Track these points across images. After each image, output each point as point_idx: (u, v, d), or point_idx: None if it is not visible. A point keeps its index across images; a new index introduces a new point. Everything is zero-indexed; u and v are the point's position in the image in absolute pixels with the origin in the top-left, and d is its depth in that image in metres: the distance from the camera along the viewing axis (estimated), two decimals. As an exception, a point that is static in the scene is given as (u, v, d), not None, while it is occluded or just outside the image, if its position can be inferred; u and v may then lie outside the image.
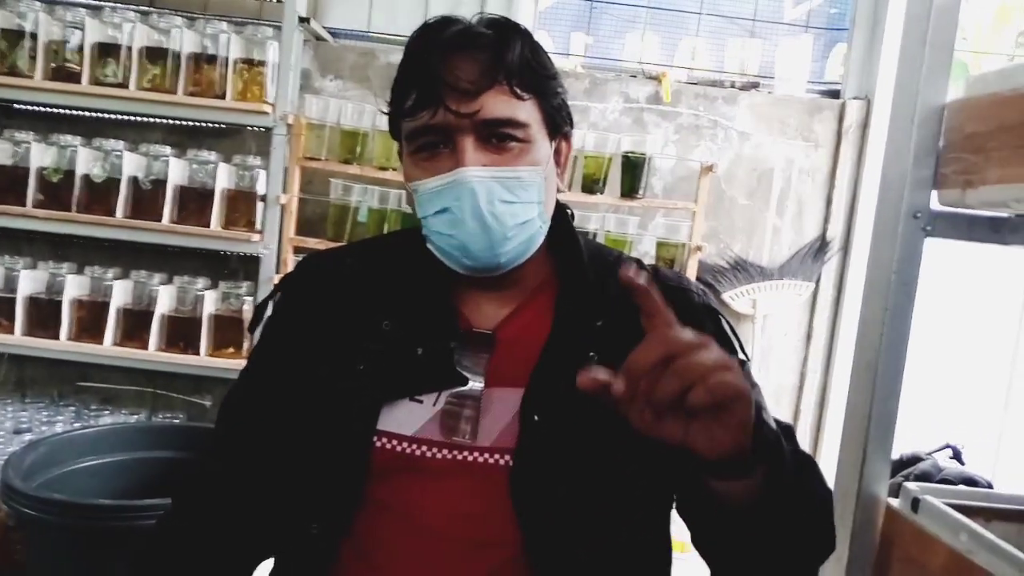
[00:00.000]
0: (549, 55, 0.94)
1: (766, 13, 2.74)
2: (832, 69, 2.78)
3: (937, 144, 1.00)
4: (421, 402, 0.90)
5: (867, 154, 2.64)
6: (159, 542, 0.99)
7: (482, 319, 0.94)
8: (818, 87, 2.78)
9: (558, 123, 0.93)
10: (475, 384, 0.90)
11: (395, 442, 0.89)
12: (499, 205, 0.87)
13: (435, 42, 0.87)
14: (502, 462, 0.88)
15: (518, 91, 0.86)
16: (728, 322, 0.97)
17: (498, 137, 0.87)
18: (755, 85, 2.74)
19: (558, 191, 0.98)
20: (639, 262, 1.01)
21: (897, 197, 1.01)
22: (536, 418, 0.88)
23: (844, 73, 2.72)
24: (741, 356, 0.96)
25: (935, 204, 1.02)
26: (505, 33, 0.89)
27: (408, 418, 0.89)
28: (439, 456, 0.89)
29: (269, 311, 1.02)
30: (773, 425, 0.84)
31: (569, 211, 1.01)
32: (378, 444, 0.89)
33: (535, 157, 0.89)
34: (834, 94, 2.73)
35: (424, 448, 0.89)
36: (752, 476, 0.74)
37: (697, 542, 0.92)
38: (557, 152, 0.95)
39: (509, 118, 0.86)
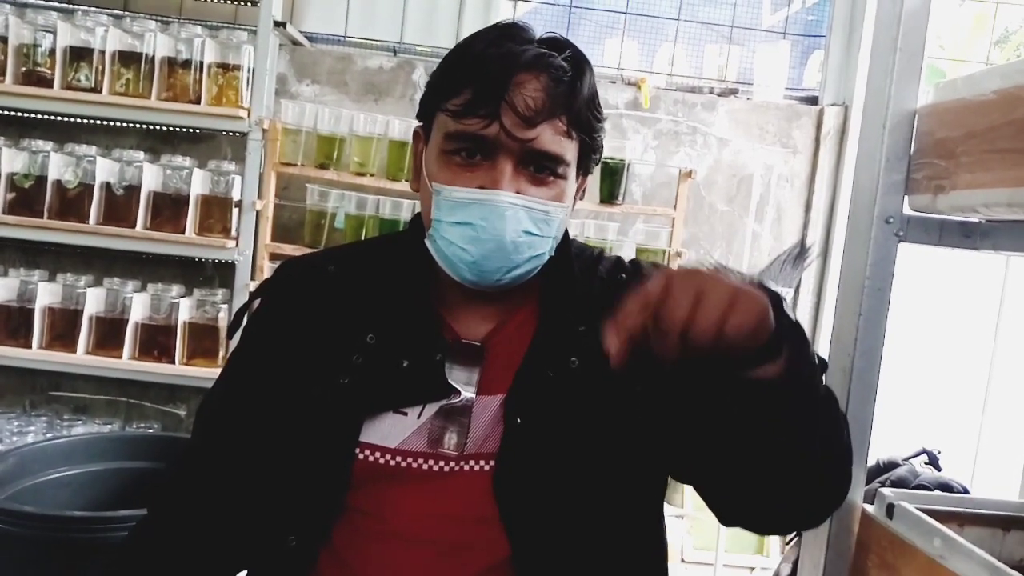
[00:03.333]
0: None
1: (744, 20, 2.75)
2: (810, 75, 2.79)
3: (909, 149, 1.00)
4: (405, 414, 0.89)
5: (845, 160, 2.66)
6: (131, 552, 0.97)
7: (470, 329, 0.93)
8: (796, 93, 2.79)
9: (589, 162, 0.92)
10: (467, 394, 0.89)
11: (378, 454, 0.88)
12: (521, 235, 0.86)
13: (510, 54, 0.85)
14: (487, 467, 0.88)
15: (572, 131, 0.86)
16: None
17: (538, 168, 0.86)
18: (734, 91, 2.75)
19: None
20: (619, 259, 1.01)
21: (869, 202, 1.01)
22: (519, 420, 0.87)
23: (822, 79, 2.73)
24: None
25: (908, 210, 1.02)
26: (579, 68, 0.87)
27: (392, 430, 0.88)
28: (424, 466, 0.88)
29: (247, 317, 1.00)
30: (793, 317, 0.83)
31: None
32: (360, 456, 0.88)
33: (565, 194, 0.89)
34: (812, 100, 2.75)
35: (409, 459, 0.88)
36: (779, 358, 0.73)
37: (714, 483, 0.89)
38: (580, 187, 0.95)
39: (559, 155, 0.86)
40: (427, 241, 0.90)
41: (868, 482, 1.29)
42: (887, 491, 1.09)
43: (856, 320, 1.06)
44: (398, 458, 0.88)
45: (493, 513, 0.87)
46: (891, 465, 1.62)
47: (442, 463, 0.88)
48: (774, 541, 2.62)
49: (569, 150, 0.87)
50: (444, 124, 0.87)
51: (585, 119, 0.87)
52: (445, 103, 0.87)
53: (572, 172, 0.89)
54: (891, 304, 1.07)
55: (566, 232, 0.98)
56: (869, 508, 1.11)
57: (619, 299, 0.87)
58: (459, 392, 0.88)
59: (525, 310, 0.94)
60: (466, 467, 0.88)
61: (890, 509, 1.06)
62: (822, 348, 2.80)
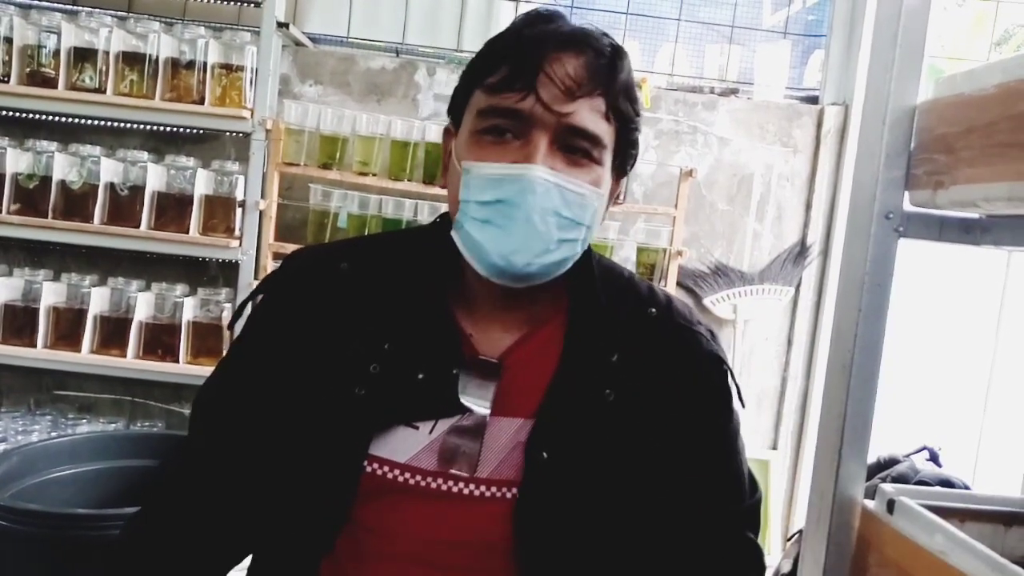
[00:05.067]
0: None
1: (745, 20, 2.76)
2: (810, 75, 2.80)
3: (908, 145, 1.00)
4: (417, 428, 0.86)
5: (846, 159, 2.66)
6: (126, 548, 0.95)
7: (489, 344, 0.89)
8: (797, 93, 2.79)
9: (625, 160, 0.89)
10: (480, 412, 0.85)
11: (386, 468, 0.85)
12: (552, 216, 0.81)
13: (548, 30, 0.83)
14: (508, 495, 0.85)
15: (611, 112, 0.83)
16: (731, 371, 0.95)
17: (573, 149, 0.83)
18: (734, 91, 2.76)
19: None
20: (651, 287, 0.98)
21: (869, 198, 1.01)
22: (545, 455, 0.85)
23: (822, 79, 2.74)
24: (737, 406, 0.96)
25: (908, 205, 1.03)
26: (619, 51, 0.85)
27: (402, 445, 0.85)
28: (433, 485, 0.85)
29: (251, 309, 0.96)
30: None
31: None
32: (368, 469, 0.85)
33: (601, 181, 0.85)
34: (812, 100, 2.76)
35: (418, 477, 0.85)
36: None
37: None
38: (614, 191, 0.91)
39: (595, 133, 0.82)
40: (453, 232, 0.85)
41: (868, 479, 1.29)
42: (888, 487, 1.10)
43: (856, 316, 1.06)
44: (407, 474, 0.85)
45: (506, 542, 0.84)
46: (892, 461, 1.62)
47: (451, 483, 0.85)
48: (775, 538, 2.63)
49: (606, 134, 0.83)
50: (478, 103, 0.84)
51: (624, 106, 0.85)
52: (481, 82, 0.84)
53: (608, 161, 0.85)
54: (892, 300, 1.07)
55: (589, 248, 0.94)
56: (870, 504, 1.11)
57: (648, 338, 0.87)
58: (469, 410, 0.85)
59: (550, 327, 0.91)
60: (477, 491, 0.86)
61: (891, 505, 1.07)
62: (823, 345, 2.80)
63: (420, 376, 0.85)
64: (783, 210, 2.71)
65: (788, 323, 2.74)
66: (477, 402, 0.85)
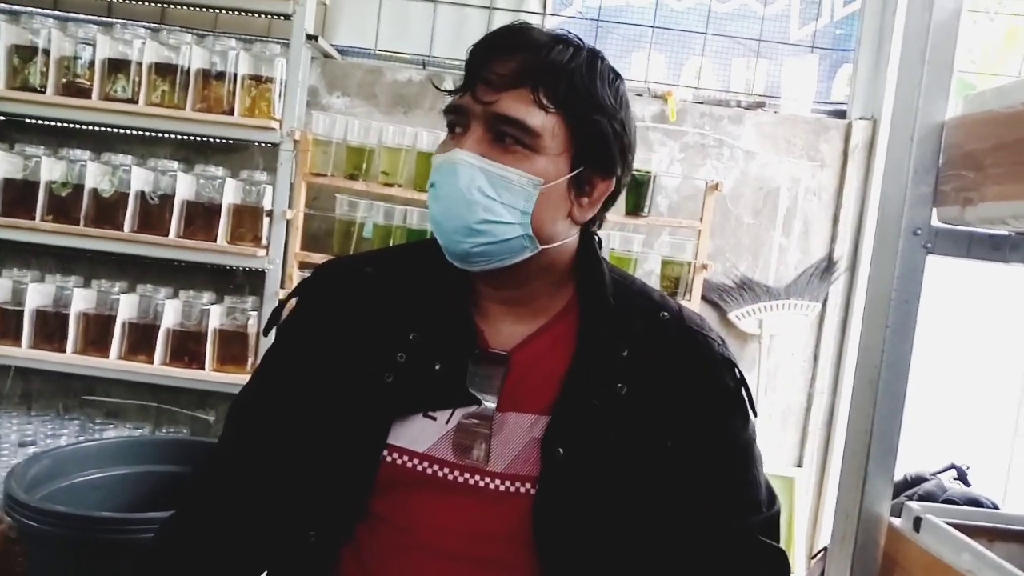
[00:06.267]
0: (623, 94, 0.93)
1: (772, 34, 2.75)
2: (838, 89, 2.78)
3: (937, 161, 1.00)
4: (434, 419, 0.90)
5: (874, 174, 2.64)
6: (160, 549, 0.99)
7: (499, 338, 0.93)
8: (824, 107, 2.78)
9: (591, 154, 0.90)
10: (488, 405, 0.89)
11: (405, 458, 0.89)
12: (476, 194, 0.86)
13: (491, 36, 0.90)
14: (523, 490, 0.88)
15: (543, 100, 0.86)
16: (743, 375, 0.97)
17: (503, 136, 0.87)
18: (761, 105, 2.75)
19: (586, 226, 0.96)
20: (662, 294, 1.02)
21: (897, 214, 1.01)
22: (561, 451, 0.88)
23: (850, 93, 2.72)
24: (750, 412, 0.97)
25: (936, 222, 1.02)
26: (556, 45, 0.88)
27: (420, 434, 0.89)
28: (450, 476, 0.89)
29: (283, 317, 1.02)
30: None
31: (597, 239, 1.00)
32: (388, 458, 0.89)
33: (536, 169, 0.87)
34: (840, 114, 2.74)
35: (436, 467, 0.89)
36: None
37: None
38: (586, 184, 0.92)
39: (519, 119, 0.86)
40: None
41: (895, 496, 1.28)
42: (914, 504, 1.08)
43: (883, 332, 1.05)
44: (425, 464, 0.89)
45: (526, 535, 0.87)
46: (918, 480, 1.60)
47: (468, 474, 0.89)
48: (800, 557, 2.59)
49: (536, 118, 0.86)
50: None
51: (561, 93, 0.87)
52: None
53: (550, 149, 0.88)
54: (920, 317, 1.06)
55: (595, 251, 0.98)
56: (896, 521, 1.10)
57: (660, 338, 0.88)
58: (479, 401, 0.89)
59: (560, 326, 0.95)
60: (493, 484, 0.89)
61: (917, 522, 1.05)
62: (849, 361, 2.77)
63: (437, 367, 0.90)
64: (810, 224, 2.69)
65: (814, 339, 2.71)
66: (485, 394, 0.90)
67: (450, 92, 0.92)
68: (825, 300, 2.69)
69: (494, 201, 0.86)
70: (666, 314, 0.97)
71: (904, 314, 1.04)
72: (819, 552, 1.91)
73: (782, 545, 1.01)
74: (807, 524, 2.68)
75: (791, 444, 2.73)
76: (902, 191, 1.01)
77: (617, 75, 0.93)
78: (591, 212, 0.94)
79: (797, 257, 2.69)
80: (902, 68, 1.04)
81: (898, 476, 1.53)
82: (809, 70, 2.77)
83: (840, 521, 1.15)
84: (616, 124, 0.90)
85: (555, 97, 0.86)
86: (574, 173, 0.90)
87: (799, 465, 2.71)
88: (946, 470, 1.65)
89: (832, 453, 2.71)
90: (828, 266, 2.67)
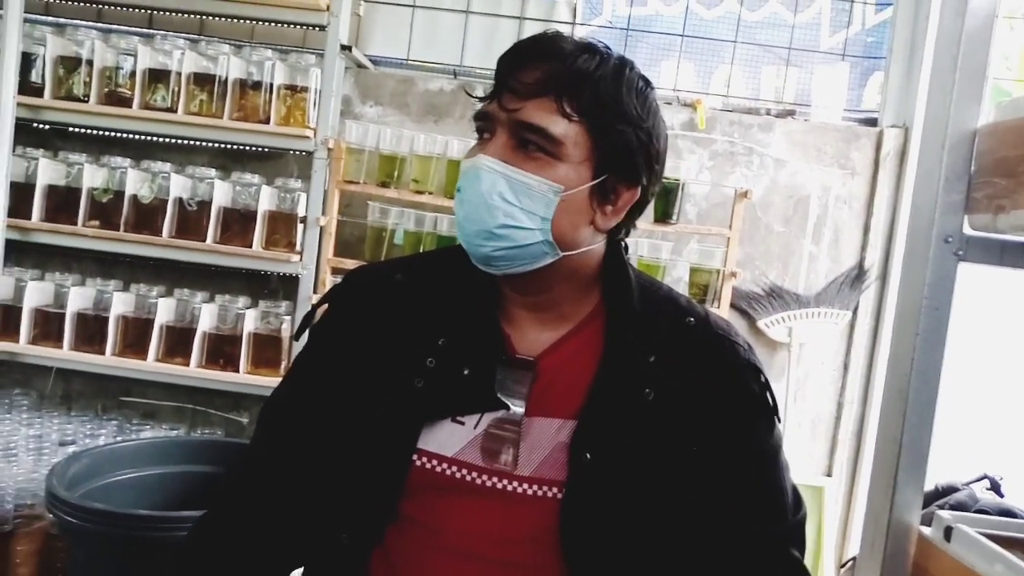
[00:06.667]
0: (651, 102, 0.92)
1: (802, 42, 2.74)
2: (869, 97, 2.77)
3: (969, 168, 1.00)
4: (463, 423, 0.91)
5: (905, 182, 2.62)
6: (193, 549, 1.01)
7: (526, 344, 0.94)
8: (855, 115, 2.76)
9: (615, 163, 0.90)
10: (516, 410, 0.91)
11: (434, 462, 0.90)
12: (497, 199, 0.88)
13: (519, 45, 0.91)
14: (550, 494, 0.89)
15: (567, 109, 0.87)
16: (768, 381, 0.97)
17: (526, 143, 0.88)
18: (791, 113, 2.74)
19: (613, 234, 0.96)
20: (689, 300, 1.02)
21: (928, 221, 1.01)
22: (588, 456, 0.88)
23: (882, 101, 2.71)
24: (776, 418, 0.97)
25: (968, 229, 1.02)
26: (583, 54, 0.89)
27: (449, 439, 0.91)
28: (478, 480, 0.90)
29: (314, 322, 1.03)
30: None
31: (624, 246, 1.00)
32: (417, 463, 0.90)
33: (558, 176, 0.88)
34: (871, 122, 2.72)
35: (464, 471, 0.90)
36: None
37: None
38: (611, 192, 0.92)
39: (541, 127, 0.87)
40: None
41: (925, 506, 1.27)
42: (945, 513, 1.08)
43: (913, 340, 1.05)
44: (454, 468, 0.90)
45: (553, 539, 0.88)
46: (950, 490, 1.58)
47: (496, 479, 0.90)
48: (829, 568, 2.57)
49: (558, 127, 0.87)
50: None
51: (586, 102, 0.87)
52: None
53: (572, 157, 0.88)
54: (953, 325, 1.06)
55: (622, 257, 0.98)
56: (926, 531, 1.09)
57: (686, 343, 0.89)
58: (507, 406, 0.90)
59: (586, 332, 0.95)
60: (520, 488, 0.90)
61: (948, 532, 1.05)
62: (880, 371, 2.74)
63: (466, 372, 0.91)
64: (840, 233, 2.67)
65: (844, 347, 2.69)
66: (513, 399, 0.91)
67: (479, 99, 0.93)
68: (855, 309, 2.67)
69: (514, 207, 0.88)
70: (692, 319, 0.97)
71: (935, 322, 1.03)
72: (848, 561, 1.89)
73: (811, 554, 1.01)
74: (836, 534, 2.65)
75: (820, 453, 2.70)
76: (933, 198, 1.01)
77: (647, 84, 0.93)
78: (615, 220, 0.94)
79: (827, 265, 2.68)
80: (934, 75, 1.04)
81: (929, 486, 1.52)
82: (840, 78, 2.76)
83: (869, 530, 1.15)
84: (642, 133, 0.90)
85: (579, 106, 0.87)
86: (596, 181, 0.90)
87: (828, 475, 2.68)
88: (978, 480, 1.63)
89: (862, 463, 2.68)
90: (859, 274, 2.65)
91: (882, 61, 2.72)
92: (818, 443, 2.70)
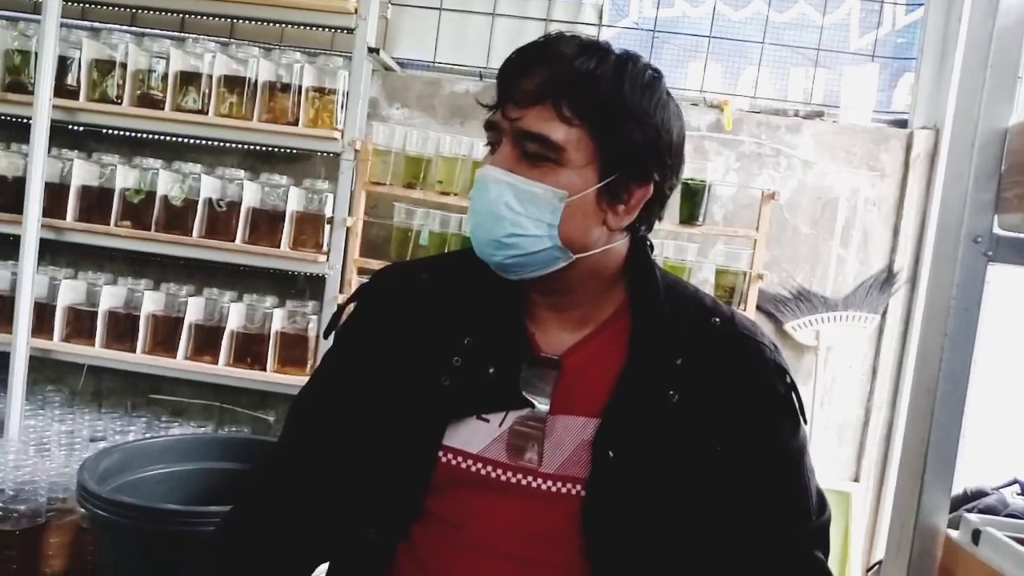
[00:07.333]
0: (659, 95, 0.90)
1: (831, 43, 2.72)
2: (899, 98, 2.73)
3: (999, 168, 0.99)
4: (487, 421, 0.92)
5: (936, 184, 2.58)
6: (221, 543, 1.02)
7: (550, 343, 0.95)
8: (885, 116, 2.73)
9: (623, 162, 0.89)
10: (540, 408, 0.91)
11: (460, 459, 0.91)
12: (504, 209, 0.88)
13: (517, 53, 0.92)
14: (573, 492, 0.90)
15: (566, 113, 0.86)
16: (794, 382, 0.97)
17: (532, 152, 0.88)
18: (819, 114, 2.72)
19: (633, 230, 0.95)
20: (715, 300, 1.01)
21: (957, 221, 1.00)
22: (611, 454, 0.89)
23: (912, 102, 2.67)
24: (801, 419, 0.97)
25: (998, 229, 1.01)
26: (581, 55, 0.88)
27: (474, 436, 0.91)
28: (503, 477, 0.90)
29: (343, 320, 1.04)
30: None
31: (649, 243, 1.00)
32: (443, 459, 0.91)
33: (561, 182, 0.88)
34: (901, 123, 2.69)
35: (489, 468, 0.91)
36: None
37: None
38: (622, 192, 0.91)
39: (540, 135, 0.87)
40: None
41: (954, 510, 1.25)
42: (973, 516, 1.07)
43: (941, 341, 1.04)
44: (479, 464, 0.91)
45: (574, 537, 0.89)
46: (979, 494, 1.55)
47: (521, 475, 0.90)
48: (856, 572, 2.54)
49: (559, 133, 0.86)
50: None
51: (585, 106, 0.86)
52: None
53: (575, 161, 0.88)
54: (981, 326, 1.04)
55: (647, 255, 0.98)
56: (953, 534, 1.08)
57: (711, 343, 0.89)
58: (532, 404, 0.91)
59: (611, 332, 0.95)
60: (544, 485, 0.90)
61: (976, 535, 1.03)
62: (909, 375, 2.70)
63: (491, 370, 0.92)
64: (869, 235, 2.65)
65: (873, 351, 2.66)
66: (537, 397, 0.91)
67: (489, 108, 0.93)
68: (884, 313, 2.64)
69: (520, 215, 0.88)
70: (718, 319, 0.97)
71: (963, 322, 1.02)
72: (874, 565, 1.87)
73: (837, 562, 1.01)
74: (863, 540, 2.62)
75: (847, 459, 2.67)
76: (962, 198, 1.00)
77: (655, 77, 0.91)
78: (628, 219, 0.93)
79: (856, 268, 2.65)
80: (964, 74, 1.03)
81: (958, 490, 1.49)
82: (869, 79, 2.73)
83: (895, 532, 1.14)
84: (648, 129, 0.89)
85: (578, 109, 0.87)
86: (603, 183, 0.89)
87: (855, 480, 2.65)
88: (1009, 485, 1.60)
89: (890, 469, 2.64)
90: (888, 278, 2.62)
91: (912, 62, 2.69)
92: (845, 448, 2.67)
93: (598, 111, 0.87)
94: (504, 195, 0.88)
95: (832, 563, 0.99)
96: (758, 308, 2.46)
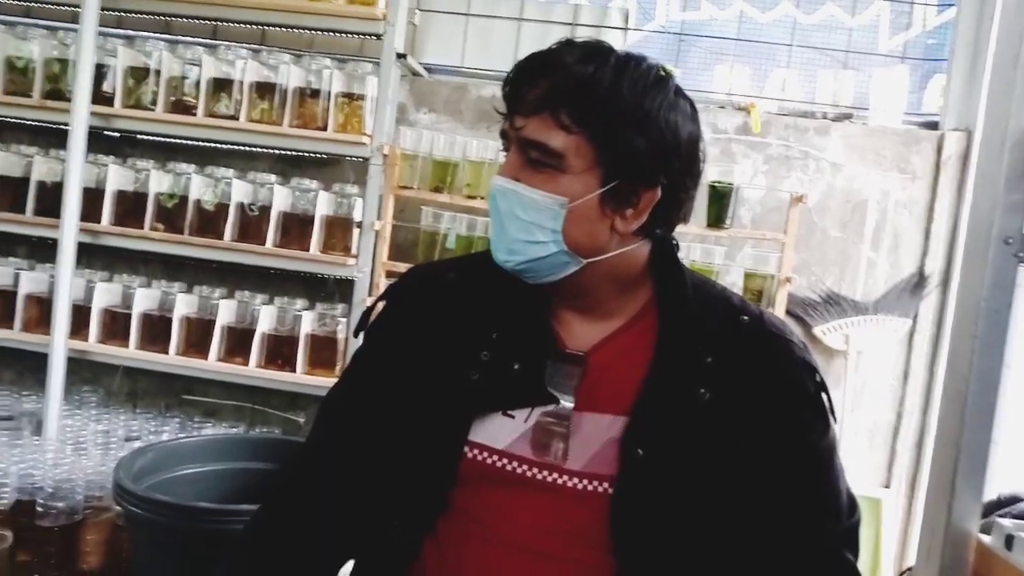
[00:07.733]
0: (664, 95, 0.90)
1: (860, 45, 2.70)
2: (930, 100, 2.70)
3: (1030, 169, 0.98)
4: (513, 417, 0.92)
5: (967, 187, 2.55)
6: (251, 540, 1.04)
7: (575, 339, 0.96)
8: (915, 118, 2.70)
9: (627, 166, 0.89)
10: (565, 404, 0.92)
11: (485, 454, 0.92)
12: (512, 217, 0.91)
13: (520, 64, 0.94)
14: (600, 489, 0.90)
15: (564, 121, 0.87)
16: (823, 381, 0.96)
17: (533, 159, 0.90)
18: (848, 116, 2.70)
19: (649, 232, 0.95)
20: (743, 299, 1.01)
21: (987, 223, 1.00)
22: (640, 452, 0.89)
23: (943, 104, 2.64)
24: (831, 419, 0.96)
25: (1030, 231, 1.00)
26: (580, 62, 0.89)
27: (499, 432, 0.92)
28: (528, 473, 0.91)
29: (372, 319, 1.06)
30: None
31: (675, 241, 1.00)
32: (469, 455, 0.92)
33: (563, 188, 0.89)
34: (932, 125, 2.66)
35: (515, 463, 0.92)
36: None
37: None
38: (630, 195, 0.91)
39: (540, 143, 0.88)
40: None
41: (986, 515, 1.24)
42: (1006, 521, 1.06)
43: (972, 343, 1.04)
44: (504, 460, 0.92)
45: (602, 533, 0.89)
46: (1013, 500, 1.53)
47: (546, 472, 0.91)
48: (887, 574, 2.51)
49: (557, 140, 0.88)
50: None
51: (583, 112, 0.87)
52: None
53: (575, 168, 0.88)
54: (1012, 328, 1.04)
55: (672, 251, 0.99)
56: (986, 539, 1.07)
57: (740, 342, 0.90)
58: (557, 400, 0.92)
59: (638, 329, 0.96)
60: (571, 483, 0.91)
61: (1010, 540, 1.03)
62: (941, 379, 2.66)
63: (516, 366, 0.93)
64: (900, 238, 2.62)
65: (904, 356, 2.63)
66: (562, 394, 0.92)
67: (504, 116, 0.95)
68: (916, 316, 2.61)
69: (527, 222, 0.90)
70: (746, 318, 0.97)
71: (994, 325, 1.02)
72: (905, 571, 1.85)
73: (868, 570, 1.00)
74: (895, 547, 2.59)
75: (878, 464, 2.64)
76: (993, 199, 0.99)
77: (660, 78, 0.91)
78: (637, 222, 0.92)
79: (886, 272, 2.62)
80: (995, 74, 1.03)
81: (992, 496, 1.47)
82: (899, 81, 2.70)
83: (926, 537, 1.13)
84: (651, 131, 0.88)
85: (576, 116, 0.87)
86: (606, 188, 0.89)
87: (886, 486, 2.62)
88: (1044, 491, 1.58)
89: (922, 475, 2.61)
90: (919, 281, 2.59)
91: (943, 64, 2.66)
92: (876, 453, 2.64)
93: (596, 117, 0.88)
94: (511, 203, 0.91)
95: (863, 569, 0.99)
96: (787, 312, 2.44)
